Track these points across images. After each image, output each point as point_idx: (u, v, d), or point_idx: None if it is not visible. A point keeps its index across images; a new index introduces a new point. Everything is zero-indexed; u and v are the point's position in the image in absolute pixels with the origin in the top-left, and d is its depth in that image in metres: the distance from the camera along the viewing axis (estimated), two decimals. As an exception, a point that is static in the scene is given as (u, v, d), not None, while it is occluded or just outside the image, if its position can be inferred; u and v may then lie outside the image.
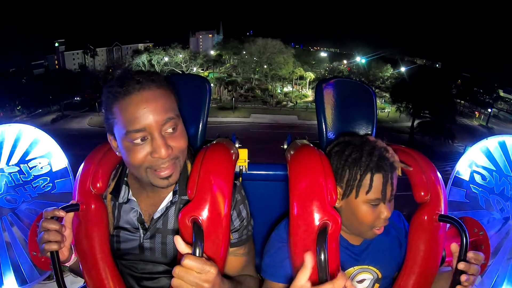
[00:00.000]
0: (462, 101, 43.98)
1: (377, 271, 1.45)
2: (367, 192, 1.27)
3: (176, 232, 1.31)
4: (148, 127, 1.15)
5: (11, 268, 1.77)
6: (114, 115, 1.18)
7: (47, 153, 1.89)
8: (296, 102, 46.50)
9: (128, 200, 1.35)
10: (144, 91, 1.16)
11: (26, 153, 1.85)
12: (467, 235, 1.27)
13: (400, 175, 1.34)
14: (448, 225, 1.39)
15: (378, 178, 1.26)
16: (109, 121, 1.21)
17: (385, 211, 1.29)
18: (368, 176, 1.26)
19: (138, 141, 1.16)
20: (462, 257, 1.27)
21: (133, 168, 1.23)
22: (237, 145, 1.66)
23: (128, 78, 1.17)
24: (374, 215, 1.30)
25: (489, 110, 42.92)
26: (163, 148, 1.16)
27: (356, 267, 1.44)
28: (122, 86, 1.15)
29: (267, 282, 1.42)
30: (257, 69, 48.60)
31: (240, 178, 1.78)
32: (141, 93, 1.15)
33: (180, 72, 36.75)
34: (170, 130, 1.19)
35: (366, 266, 1.44)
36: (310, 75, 48.11)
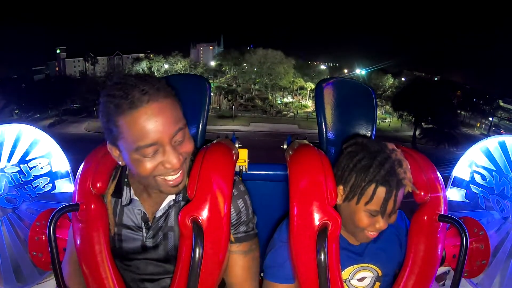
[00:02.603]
0: (463, 112, 44.18)
1: (377, 269, 1.45)
2: (367, 203, 1.26)
3: (177, 228, 1.31)
4: (160, 141, 1.11)
5: (11, 268, 1.76)
6: (119, 129, 1.10)
7: (47, 153, 1.88)
8: (297, 112, 46.57)
9: (131, 201, 1.33)
10: (153, 104, 1.08)
11: (26, 153, 1.84)
12: (467, 235, 1.27)
13: (410, 191, 1.32)
14: (448, 225, 1.38)
15: (381, 191, 1.24)
16: (112, 133, 1.14)
17: (380, 223, 1.28)
18: (372, 187, 1.24)
19: (150, 154, 1.12)
20: (462, 257, 1.27)
21: (141, 177, 1.19)
22: (237, 145, 1.66)
23: (131, 87, 1.09)
24: (369, 222, 1.29)
25: (490, 119, 43.15)
26: (175, 159, 1.13)
27: (356, 266, 1.43)
28: (127, 97, 1.07)
29: (268, 283, 1.41)
30: (257, 80, 48.72)
31: (240, 178, 1.77)
32: (149, 106, 1.08)
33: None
34: (180, 139, 1.15)
35: (366, 264, 1.44)
36: (310, 85, 48.25)
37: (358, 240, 1.39)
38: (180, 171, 1.19)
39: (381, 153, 1.26)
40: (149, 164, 1.13)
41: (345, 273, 1.43)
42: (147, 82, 1.11)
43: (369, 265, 1.44)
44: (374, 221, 1.29)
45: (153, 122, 1.08)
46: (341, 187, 1.33)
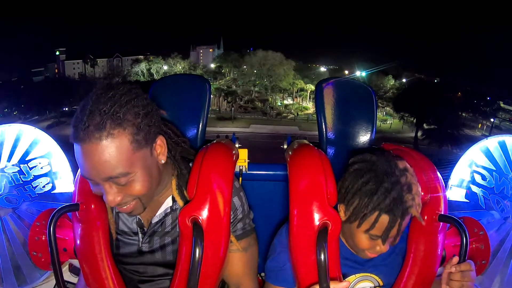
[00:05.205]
0: (464, 113, 44.17)
1: (378, 279, 1.42)
2: (368, 230, 1.22)
3: (175, 234, 1.31)
4: (92, 179, 1.08)
5: (11, 268, 1.76)
6: None
7: (47, 153, 1.88)
8: (297, 113, 46.52)
9: None
10: (85, 144, 1.02)
11: (26, 153, 1.84)
12: (467, 235, 1.27)
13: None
14: (448, 225, 1.38)
15: (384, 219, 1.18)
16: None
17: (381, 246, 1.25)
18: (375, 215, 1.18)
19: (91, 181, 1.11)
20: (462, 258, 1.26)
21: None
22: (237, 145, 1.66)
23: (80, 116, 1.03)
24: (369, 245, 1.27)
25: (492, 120, 43.15)
26: (111, 197, 1.09)
27: (357, 275, 1.41)
28: (74, 125, 1.04)
29: (269, 285, 1.40)
30: (257, 82, 48.70)
31: (240, 178, 1.77)
32: (83, 145, 1.02)
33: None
34: (122, 183, 1.09)
35: (368, 274, 1.42)
36: (311, 87, 48.18)
37: (360, 256, 1.37)
38: (127, 204, 1.15)
39: (389, 177, 1.18)
40: (94, 189, 1.14)
41: None
42: (100, 113, 1.03)
43: (371, 274, 1.42)
44: (374, 244, 1.26)
45: (84, 161, 1.04)
46: (343, 206, 1.29)
